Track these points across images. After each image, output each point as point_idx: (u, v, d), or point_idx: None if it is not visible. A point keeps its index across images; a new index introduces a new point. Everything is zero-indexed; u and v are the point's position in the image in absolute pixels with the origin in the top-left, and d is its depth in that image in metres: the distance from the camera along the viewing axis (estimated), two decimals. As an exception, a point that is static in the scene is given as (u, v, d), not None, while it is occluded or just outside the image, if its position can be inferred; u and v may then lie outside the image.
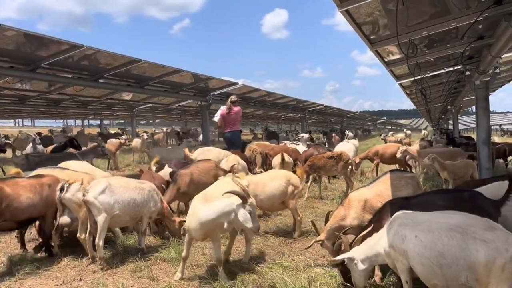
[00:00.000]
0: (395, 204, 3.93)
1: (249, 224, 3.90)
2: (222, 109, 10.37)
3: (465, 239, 2.83)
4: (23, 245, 5.43)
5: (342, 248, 4.02)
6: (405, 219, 3.30)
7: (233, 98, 10.29)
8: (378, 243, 3.46)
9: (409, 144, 15.24)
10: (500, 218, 3.61)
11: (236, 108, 10.20)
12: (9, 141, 16.63)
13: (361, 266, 3.56)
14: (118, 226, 5.51)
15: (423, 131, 27.21)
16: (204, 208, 4.05)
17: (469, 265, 2.78)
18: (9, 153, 12.06)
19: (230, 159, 8.47)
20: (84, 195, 4.72)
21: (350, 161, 8.64)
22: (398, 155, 10.10)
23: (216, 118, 10.40)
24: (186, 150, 9.09)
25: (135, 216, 5.11)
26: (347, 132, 25.69)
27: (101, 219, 4.69)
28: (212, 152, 8.73)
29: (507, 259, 2.66)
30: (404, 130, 28.00)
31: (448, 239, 2.90)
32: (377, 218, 3.93)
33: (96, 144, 11.96)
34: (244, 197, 3.89)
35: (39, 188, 4.95)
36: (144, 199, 5.15)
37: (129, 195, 4.97)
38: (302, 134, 16.61)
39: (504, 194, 3.76)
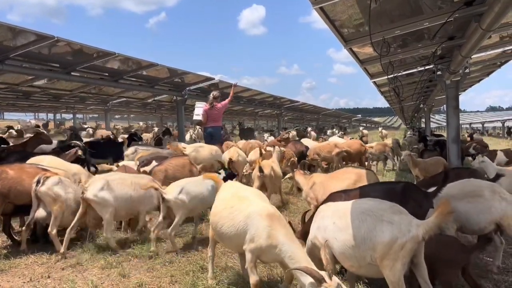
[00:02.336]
0: (334, 197, 4.26)
1: None
2: (199, 106, 10.33)
3: (374, 221, 3.10)
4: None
5: None
6: (325, 211, 3.59)
7: (215, 93, 10.27)
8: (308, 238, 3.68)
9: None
10: (432, 209, 3.89)
11: (220, 104, 10.21)
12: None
13: None
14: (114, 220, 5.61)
15: (379, 129, 28.13)
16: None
17: (374, 244, 3.03)
18: None
19: (231, 150, 8.58)
20: (83, 193, 4.86)
21: (292, 159, 8.86)
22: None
23: (198, 116, 10.34)
24: (180, 146, 9.11)
25: (131, 211, 5.28)
26: (308, 129, 25.99)
27: (104, 214, 4.89)
28: (204, 148, 8.79)
29: (408, 239, 2.94)
30: (361, 128, 28.79)
31: (359, 222, 3.16)
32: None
33: None
34: (317, 278, 2.90)
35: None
36: (141, 195, 5.22)
37: (126, 191, 5.10)
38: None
39: (437, 187, 3.98)
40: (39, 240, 5.37)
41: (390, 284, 3.00)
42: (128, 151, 9.33)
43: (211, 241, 4.10)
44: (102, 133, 18.19)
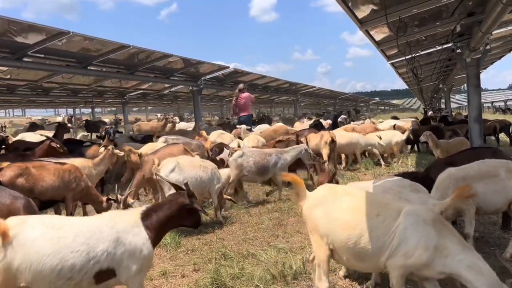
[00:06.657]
0: None
1: None
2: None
3: (392, 198, 3.18)
4: None
5: None
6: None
7: (240, 86, 11.27)
8: None
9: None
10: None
11: (244, 94, 11.14)
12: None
13: None
14: None
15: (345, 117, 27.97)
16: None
17: None
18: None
19: (250, 137, 8.79)
20: (156, 174, 5.22)
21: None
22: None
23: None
24: (203, 133, 9.33)
25: (202, 192, 5.56)
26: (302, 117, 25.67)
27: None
28: (226, 135, 9.61)
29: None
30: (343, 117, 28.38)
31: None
32: None
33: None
34: None
35: (62, 173, 5.25)
36: (209, 177, 5.65)
37: (195, 173, 5.46)
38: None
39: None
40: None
41: None
42: (159, 141, 9.53)
43: (325, 264, 3.11)
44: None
